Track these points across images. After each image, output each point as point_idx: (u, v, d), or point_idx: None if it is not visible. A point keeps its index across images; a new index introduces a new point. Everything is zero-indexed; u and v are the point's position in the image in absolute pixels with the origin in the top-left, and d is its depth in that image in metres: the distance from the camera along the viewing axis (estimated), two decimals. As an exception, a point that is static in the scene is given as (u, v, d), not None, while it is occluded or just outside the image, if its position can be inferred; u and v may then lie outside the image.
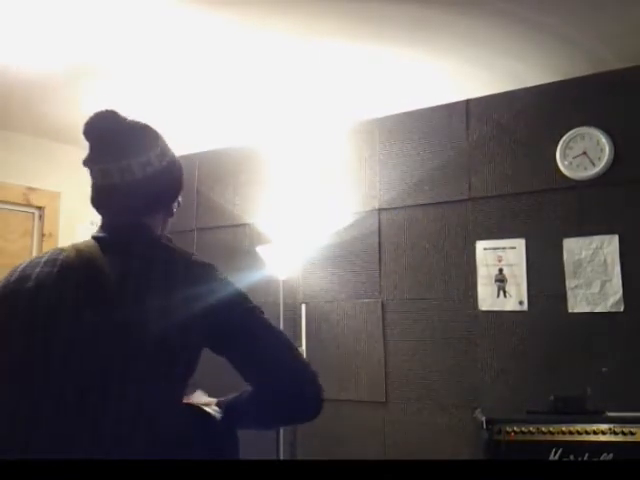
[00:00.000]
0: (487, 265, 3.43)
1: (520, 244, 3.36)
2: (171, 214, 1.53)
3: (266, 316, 1.41)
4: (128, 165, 1.40)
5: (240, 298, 1.41)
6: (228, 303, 1.37)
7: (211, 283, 1.37)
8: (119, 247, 1.38)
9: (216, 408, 1.43)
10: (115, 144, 1.41)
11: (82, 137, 1.43)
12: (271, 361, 1.35)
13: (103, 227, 1.44)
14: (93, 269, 1.32)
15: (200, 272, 1.38)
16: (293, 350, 1.37)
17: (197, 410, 1.40)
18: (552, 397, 2.86)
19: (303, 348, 3.92)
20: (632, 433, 2.62)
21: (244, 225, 4.25)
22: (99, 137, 1.42)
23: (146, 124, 1.48)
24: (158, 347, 1.26)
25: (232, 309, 1.37)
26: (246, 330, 1.36)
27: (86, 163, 1.44)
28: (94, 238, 1.41)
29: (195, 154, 4.44)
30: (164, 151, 1.48)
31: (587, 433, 2.67)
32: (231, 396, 1.45)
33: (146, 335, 1.25)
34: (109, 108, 1.44)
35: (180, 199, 1.55)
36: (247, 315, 1.38)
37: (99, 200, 1.45)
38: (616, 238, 3.14)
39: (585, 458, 2.64)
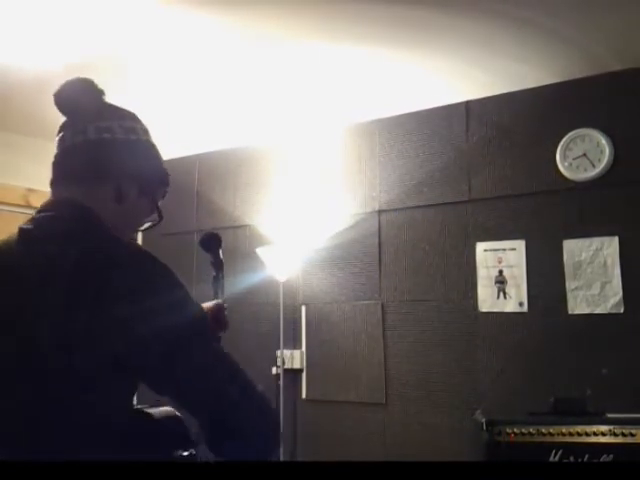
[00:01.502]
0: (487, 266, 3.43)
1: (520, 245, 3.36)
2: (121, 201, 1.26)
3: (217, 343, 1.22)
4: (84, 128, 1.25)
5: (192, 320, 1.16)
6: (174, 332, 1.11)
7: (152, 288, 1.13)
8: (43, 239, 1.18)
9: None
10: (79, 111, 1.27)
11: None
12: (213, 402, 1.15)
13: (38, 210, 1.25)
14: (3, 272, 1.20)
15: (137, 273, 1.13)
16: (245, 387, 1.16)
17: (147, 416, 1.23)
18: (552, 398, 2.85)
19: (303, 349, 3.93)
20: (632, 434, 2.61)
21: (244, 226, 4.25)
22: (65, 107, 1.29)
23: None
24: (70, 373, 1.08)
25: (177, 339, 1.11)
26: (189, 365, 1.12)
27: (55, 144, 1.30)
28: (18, 229, 1.22)
29: (195, 155, 4.45)
30: (135, 129, 1.29)
31: (587, 434, 2.66)
32: None
33: (52, 361, 1.08)
34: (83, 77, 1.29)
35: (158, 210, 1.33)
36: (194, 346, 1.14)
37: (51, 177, 1.29)
38: (616, 239, 3.14)
39: (585, 459, 2.63)
